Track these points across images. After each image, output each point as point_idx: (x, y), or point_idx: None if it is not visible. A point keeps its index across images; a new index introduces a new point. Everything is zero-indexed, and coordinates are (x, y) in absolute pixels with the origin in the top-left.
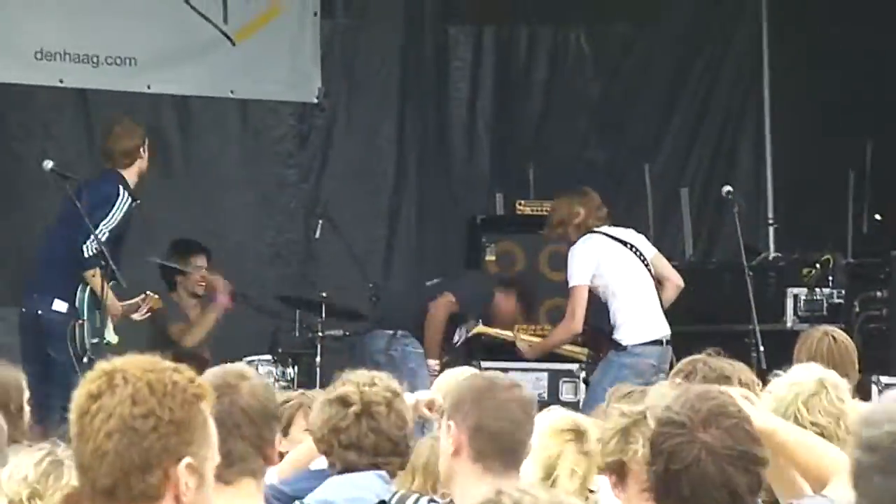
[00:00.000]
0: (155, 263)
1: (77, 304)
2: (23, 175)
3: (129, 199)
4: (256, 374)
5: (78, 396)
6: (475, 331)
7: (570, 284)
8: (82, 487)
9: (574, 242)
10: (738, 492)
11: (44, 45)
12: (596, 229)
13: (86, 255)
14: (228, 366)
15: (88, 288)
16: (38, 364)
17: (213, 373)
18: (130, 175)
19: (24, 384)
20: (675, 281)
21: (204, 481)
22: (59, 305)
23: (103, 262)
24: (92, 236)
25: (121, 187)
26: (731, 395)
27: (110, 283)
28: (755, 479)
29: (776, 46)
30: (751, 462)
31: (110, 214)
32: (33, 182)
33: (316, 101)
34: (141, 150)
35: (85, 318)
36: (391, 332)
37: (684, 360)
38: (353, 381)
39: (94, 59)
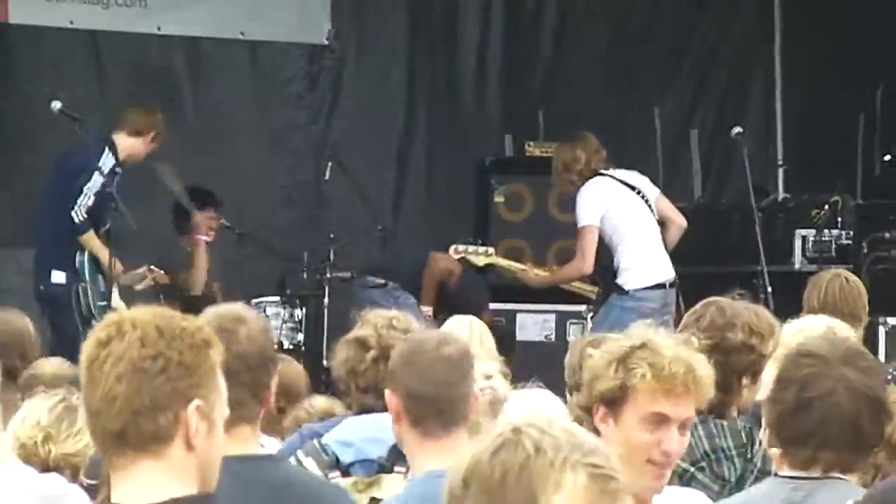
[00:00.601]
0: (167, 208)
1: (78, 268)
2: (32, 116)
3: (113, 164)
4: (254, 315)
5: (87, 346)
6: (486, 261)
7: (580, 225)
8: (93, 434)
9: (581, 186)
10: (864, 435)
11: None
12: (603, 171)
13: (76, 220)
14: (224, 308)
15: (87, 252)
16: (53, 336)
17: (209, 317)
18: (124, 145)
19: (33, 329)
20: (678, 222)
21: (214, 428)
22: (58, 276)
23: (98, 224)
24: (79, 200)
25: (106, 150)
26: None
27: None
28: (879, 431)
29: None
30: (881, 411)
31: (93, 179)
32: (43, 123)
33: (326, 42)
34: (147, 137)
35: (87, 280)
36: (382, 283)
37: (700, 303)
38: (372, 323)
39: (105, 1)
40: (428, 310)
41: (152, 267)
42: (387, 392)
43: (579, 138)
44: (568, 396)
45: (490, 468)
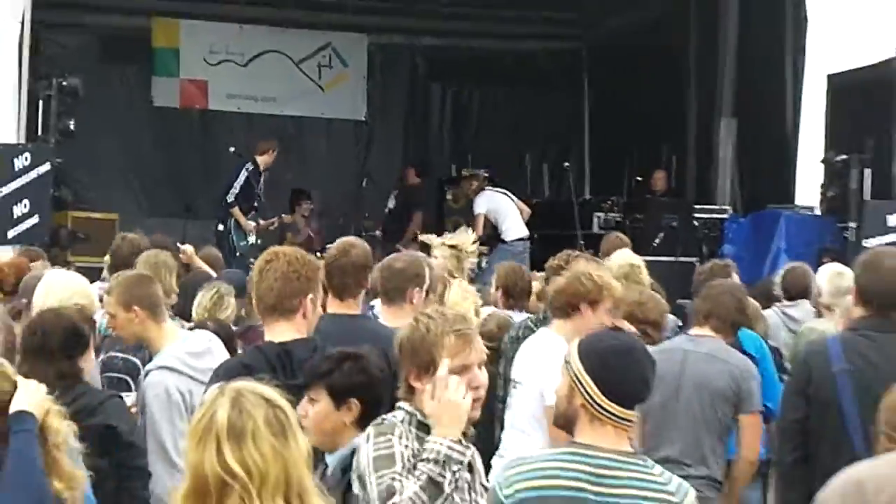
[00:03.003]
0: (289, 192)
1: (227, 225)
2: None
3: (247, 174)
4: (361, 243)
5: (257, 263)
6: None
7: (475, 213)
8: (258, 308)
9: (477, 194)
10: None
11: (231, 90)
12: (487, 187)
13: (228, 201)
14: (345, 239)
15: (233, 218)
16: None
17: (336, 243)
18: (261, 161)
19: (173, 263)
20: (527, 210)
21: (316, 308)
22: (220, 227)
23: (239, 205)
24: (230, 192)
25: (244, 168)
26: None
27: (248, 215)
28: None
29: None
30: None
31: (236, 182)
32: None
33: (364, 119)
34: (269, 153)
35: (232, 232)
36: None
37: (558, 255)
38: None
39: (254, 97)
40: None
41: (283, 215)
42: None
43: (474, 172)
44: None
45: (408, 341)
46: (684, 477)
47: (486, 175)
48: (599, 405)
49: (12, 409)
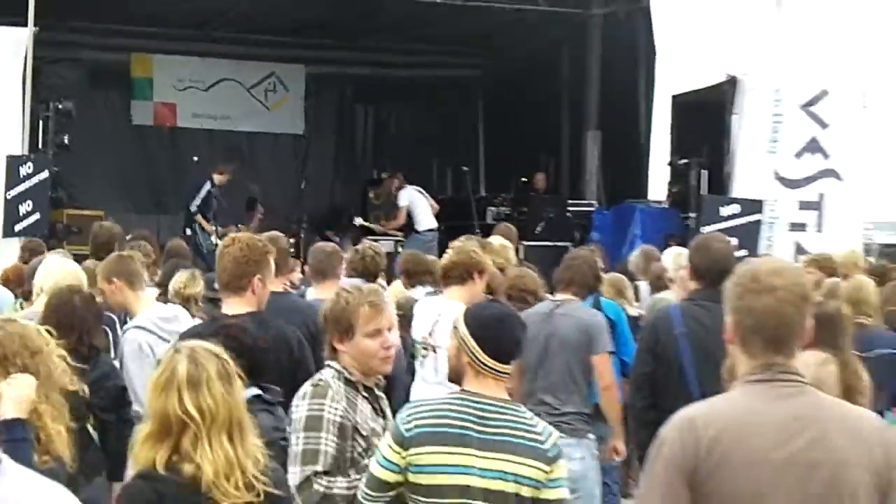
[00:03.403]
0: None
1: (193, 229)
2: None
3: (208, 189)
4: (283, 237)
5: (219, 246)
6: (359, 223)
7: (399, 205)
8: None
9: (399, 191)
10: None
11: (195, 111)
12: (406, 185)
13: (192, 210)
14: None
15: (197, 223)
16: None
17: (269, 236)
18: (218, 180)
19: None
20: (435, 205)
21: (266, 288)
22: (188, 231)
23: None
24: (192, 203)
25: (204, 185)
26: None
27: (209, 221)
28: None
29: None
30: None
31: (198, 195)
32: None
33: (302, 133)
34: (224, 174)
35: (198, 234)
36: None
37: (458, 239)
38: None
39: (214, 116)
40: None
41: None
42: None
43: (394, 174)
44: None
45: (331, 312)
46: (559, 414)
47: (403, 176)
48: (482, 362)
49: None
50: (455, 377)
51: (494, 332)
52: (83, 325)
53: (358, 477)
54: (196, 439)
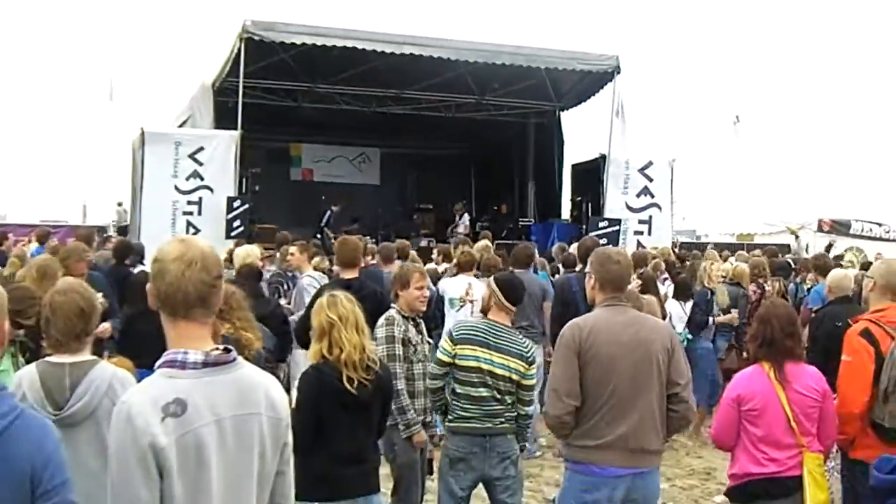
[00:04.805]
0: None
1: (323, 237)
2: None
3: (329, 214)
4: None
5: (336, 244)
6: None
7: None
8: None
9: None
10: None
11: (324, 172)
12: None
13: (322, 225)
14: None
15: (324, 233)
16: None
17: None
18: (335, 209)
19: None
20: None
21: (362, 265)
22: (318, 236)
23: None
24: (321, 222)
25: (327, 211)
26: None
27: (330, 232)
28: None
29: None
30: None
31: (324, 218)
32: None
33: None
34: (341, 205)
35: (325, 239)
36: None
37: (477, 243)
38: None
39: (333, 175)
40: None
41: None
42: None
43: (461, 205)
44: None
45: (397, 273)
46: (530, 327)
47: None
48: (502, 302)
49: None
50: (484, 310)
51: (511, 287)
52: (249, 278)
53: (408, 364)
54: (340, 332)
